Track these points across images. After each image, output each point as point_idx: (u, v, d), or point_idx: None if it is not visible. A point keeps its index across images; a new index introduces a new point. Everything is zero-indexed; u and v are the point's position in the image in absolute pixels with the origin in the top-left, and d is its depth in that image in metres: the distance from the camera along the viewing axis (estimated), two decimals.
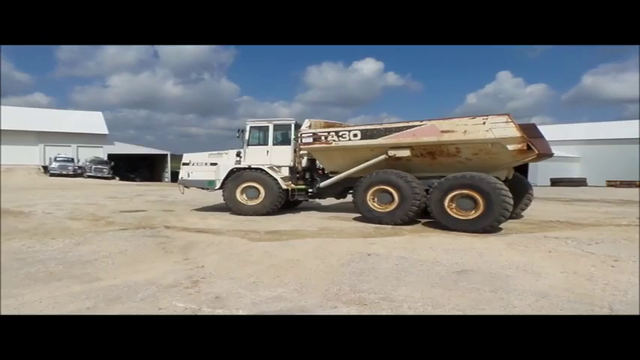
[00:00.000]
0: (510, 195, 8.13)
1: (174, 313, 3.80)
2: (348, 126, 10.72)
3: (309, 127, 10.78)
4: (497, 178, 8.47)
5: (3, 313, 3.75)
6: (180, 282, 4.78)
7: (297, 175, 11.59)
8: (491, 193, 8.04)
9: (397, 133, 9.38)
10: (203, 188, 12.12)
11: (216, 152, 12.08)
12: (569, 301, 4.15)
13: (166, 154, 47.77)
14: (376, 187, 9.49)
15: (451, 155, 9.08)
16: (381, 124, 9.80)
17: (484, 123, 8.40)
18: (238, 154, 11.69)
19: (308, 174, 11.75)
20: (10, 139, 38.71)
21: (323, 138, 10.22)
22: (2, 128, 38.23)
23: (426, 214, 9.23)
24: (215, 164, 11.79)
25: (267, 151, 11.40)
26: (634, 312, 3.84)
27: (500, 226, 8.42)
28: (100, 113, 48.89)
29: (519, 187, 10.11)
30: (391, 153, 9.54)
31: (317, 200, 12.83)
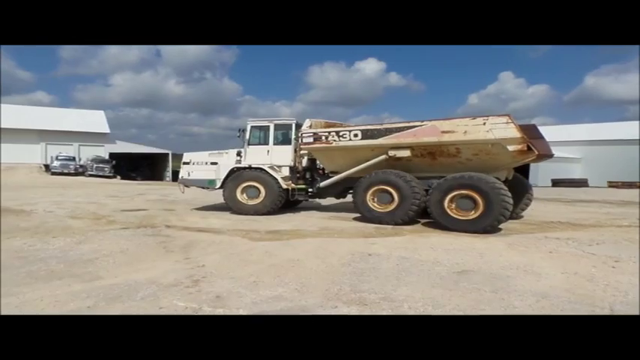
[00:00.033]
0: (510, 194, 8.14)
1: (175, 313, 3.80)
2: (349, 126, 10.72)
3: (310, 126, 10.79)
4: (497, 178, 8.48)
5: (4, 311, 3.76)
6: (180, 281, 4.79)
7: (298, 175, 11.59)
8: (490, 192, 8.05)
9: (398, 134, 9.38)
10: (203, 187, 12.13)
11: (217, 152, 12.09)
12: (569, 301, 4.14)
13: (168, 154, 47.78)
14: (376, 187, 9.50)
15: (451, 156, 9.08)
16: (381, 124, 9.80)
17: (484, 124, 8.40)
18: (239, 154, 11.70)
19: (308, 174, 11.75)
20: (11, 137, 38.73)
21: (323, 138, 10.22)
22: (4, 127, 38.26)
23: (425, 215, 9.23)
24: (215, 163, 11.81)
25: (268, 151, 11.41)
26: (635, 313, 3.84)
27: (501, 226, 8.42)
28: (101, 112, 48.92)
29: (519, 187, 10.11)
30: (391, 153, 9.54)
31: (317, 200, 12.84)
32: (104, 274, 5.09)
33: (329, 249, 6.63)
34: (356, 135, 9.86)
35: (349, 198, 10.71)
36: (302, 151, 11.28)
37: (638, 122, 42.61)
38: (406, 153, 9.41)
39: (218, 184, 11.60)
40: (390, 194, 9.30)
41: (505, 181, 9.11)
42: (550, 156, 9.84)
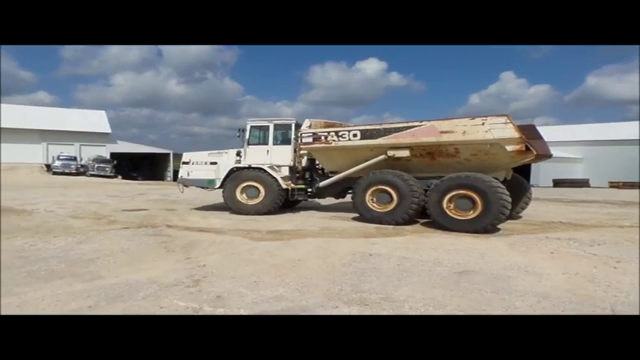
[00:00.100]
0: (507, 193, 8.16)
1: (176, 312, 3.80)
2: (348, 126, 10.73)
3: (309, 126, 10.80)
4: (495, 178, 8.49)
5: (5, 311, 3.76)
6: (181, 281, 4.79)
7: (297, 175, 11.60)
8: (487, 191, 8.07)
9: (396, 134, 9.39)
10: (203, 187, 12.13)
11: (216, 151, 12.10)
12: (570, 302, 4.13)
13: (169, 153, 47.82)
14: (374, 188, 9.51)
15: (450, 156, 9.09)
16: (380, 124, 9.81)
17: (483, 124, 8.42)
18: (238, 154, 11.70)
19: (308, 174, 11.76)
20: (13, 137, 38.82)
21: (323, 138, 10.23)
22: (6, 127, 38.34)
23: (424, 215, 9.25)
24: (215, 163, 11.81)
25: (268, 151, 11.41)
26: (636, 313, 3.83)
27: (502, 227, 8.42)
28: (103, 112, 49.01)
29: (518, 187, 10.13)
30: (390, 153, 9.55)
31: (316, 200, 12.85)
32: (105, 274, 5.09)
33: (330, 249, 6.62)
34: (355, 135, 9.86)
35: (348, 198, 10.71)
36: (301, 151, 11.28)
37: (638, 122, 42.57)
38: (405, 153, 9.42)
39: (218, 184, 11.61)
40: (389, 194, 9.31)
41: (504, 182, 9.13)
42: (549, 156, 9.86)
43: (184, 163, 12.35)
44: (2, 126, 38.14)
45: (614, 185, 36.26)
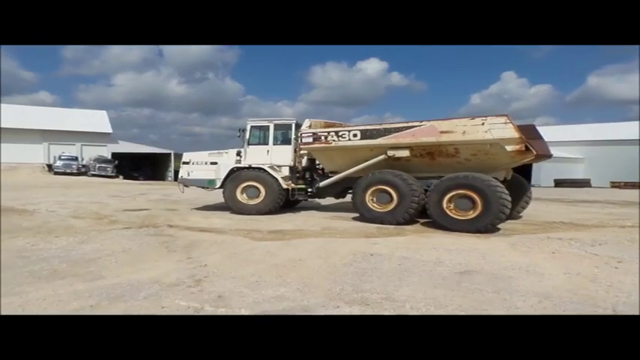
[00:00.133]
0: (507, 192, 8.17)
1: (177, 312, 3.81)
2: (348, 126, 10.74)
3: (309, 126, 10.82)
4: (495, 178, 8.50)
5: (7, 310, 3.77)
6: (183, 281, 4.80)
7: (297, 175, 11.61)
8: (486, 191, 8.08)
9: (396, 134, 9.40)
10: (203, 187, 12.14)
11: (217, 151, 12.11)
12: (572, 302, 4.13)
13: (170, 153, 47.83)
14: (374, 188, 9.53)
15: (450, 156, 9.10)
16: (380, 124, 9.82)
17: (483, 124, 8.42)
18: (238, 154, 11.71)
19: (308, 173, 11.77)
20: (14, 137, 38.88)
21: (323, 138, 10.24)
22: (8, 127, 38.41)
23: (424, 215, 9.25)
24: (215, 163, 11.82)
25: (268, 151, 11.42)
26: (637, 313, 3.82)
27: (504, 226, 8.41)
28: (104, 112, 49.05)
29: (518, 187, 10.14)
30: (390, 153, 9.56)
31: (317, 200, 12.85)
32: (106, 274, 5.10)
33: (331, 249, 6.63)
34: (355, 135, 9.87)
35: (349, 198, 10.72)
36: (302, 151, 11.29)
37: (639, 122, 42.50)
38: (405, 153, 9.43)
39: (218, 184, 11.62)
40: (389, 194, 9.32)
41: (504, 182, 9.15)
42: (549, 156, 9.87)
43: (184, 163, 12.36)
44: (4, 126, 38.21)
45: (615, 185, 36.24)
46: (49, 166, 37.90)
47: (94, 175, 35.41)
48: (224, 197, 11.40)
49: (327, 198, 12.00)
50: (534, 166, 36.49)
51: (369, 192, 9.57)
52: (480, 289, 4.55)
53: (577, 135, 46.99)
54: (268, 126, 11.51)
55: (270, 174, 11.00)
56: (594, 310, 3.94)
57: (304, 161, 11.67)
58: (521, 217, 10.50)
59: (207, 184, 11.88)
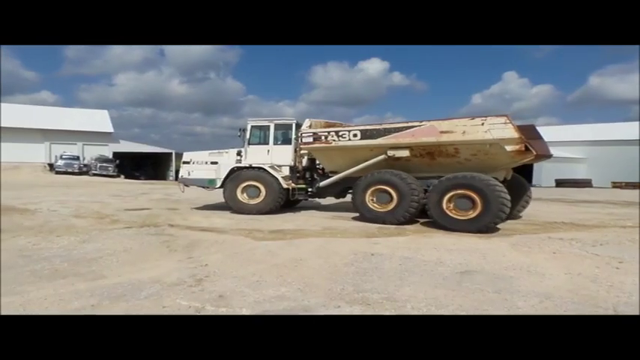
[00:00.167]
0: (505, 191, 8.19)
1: (178, 312, 3.82)
2: (348, 126, 10.75)
3: (310, 126, 10.83)
4: (495, 178, 8.51)
5: (9, 310, 3.79)
6: (184, 280, 4.81)
7: (298, 175, 11.62)
8: (485, 190, 8.09)
9: (396, 134, 9.41)
10: (203, 187, 12.16)
11: (217, 151, 12.12)
12: (573, 302, 4.13)
13: (171, 153, 47.89)
14: (374, 188, 9.54)
15: (450, 156, 9.10)
16: (380, 124, 9.83)
17: (483, 124, 8.43)
18: (239, 153, 11.72)
19: (308, 173, 11.79)
20: (16, 136, 38.96)
21: (323, 138, 10.26)
22: (10, 126, 38.49)
23: (424, 215, 9.26)
24: (216, 163, 11.83)
25: (268, 151, 11.43)
26: (638, 313, 3.82)
27: (505, 227, 8.41)
28: (105, 111, 49.13)
29: (518, 187, 10.15)
30: (390, 153, 9.57)
31: (317, 200, 12.86)
32: (108, 273, 5.11)
33: (332, 248, 6.63)
34: (355, 135, 9.88)
35: (349, 198, 10.72)
36: (302, 151, 11.30)
37: (639, 122, 42.43)
38: (405, 153, 9.44)
39: (218, 184, 11.63)
40: (389, 193, 9.33)
41: (504, 182, 9.16)
42: (548, 156, 9.88)
43: (185, 162, 12.38)
44: (6, 125, 38.29)
45: (616, 185, 36.20)
46: (51, 166, 37.97)
47: (95, 175, 35.50)
48: (224, 197, 11.41)
49: (328, 198, 12.01)
50: (535, 166, 36.48)
51: (369, 192, 9.58)
52: (481, 289, 4.55)
53: (578, 135, 46.93)
54: (269, 126, 11.52)
55: (270, 174, 11.01)
56: (595, 310, 3.93)
57: (304, 161, 11.68)
58: (521, 216, 10.51)
59: (208, 184, 11.89)
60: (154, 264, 5.62)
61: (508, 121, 8.25)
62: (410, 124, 9.31)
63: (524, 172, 10.85)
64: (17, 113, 41.04)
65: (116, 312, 3.79)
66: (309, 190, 11.41)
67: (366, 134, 9.75)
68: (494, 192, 8.02)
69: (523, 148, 8.28)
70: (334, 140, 10.10)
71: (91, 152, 41.37)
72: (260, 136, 11.62)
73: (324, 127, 10.94)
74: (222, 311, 3.84)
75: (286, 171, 11.41)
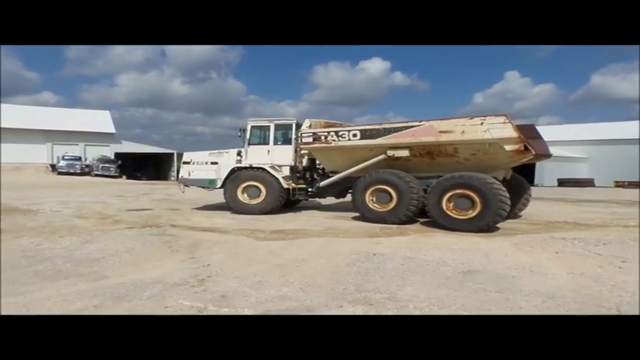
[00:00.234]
0: (504, 190, 8.19)
1: (181, 312, 3.82)
2: (348, 126, 10.76)
3: (310, 126, 10.85)
4: (494, 177, 8.51)
5: (12, 310, 3.80)
6: (186, 280, 4.81)
7: (298, 175, 11.63)
8: (484, 189, 8.11)
9: (396, 134, 9.42)
10: (204, 187, 12.17)
11: (217, 151, 12.13)
12: (575, 302, 4.12)
13: (172, 153, 47.90)
14: (374, 188, 9.56)
15: (449, 155, 9.11)
16: (380, 124, 9.83)
17: (482, 123, 8.43)
18: (239, 154, 11.72)
19: (308, 173, 11.79)
20: (18, 137, 39.03)
21: (323, 138, 10.27)
22: (11, 127, 38.58)
23: (424, 215, 9.26)
24: (216, 163, 11.84)
25: (269, 151, 11.44)
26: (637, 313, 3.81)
27: (507, 226, 8.39)
28: (107, 112, 49.19)
29: (517, 187, 10.14)
30: (390, 153, 9.58)
31: (317, 200, 12.86)
32: (110, 274, 5.12)
33: (334, 248, 6.63)
34: (355, 135, 9.89)
35: (349, 197, 10.72)
36: (302, 151, 11.31)
37: (639, 122, 42.30)
38: (404, 153, 9.45)
39: (219, 184, 11.64)
40: (389, 193, 9.35)
41: (503, 181, 9.16)
42: (548, 156, 9.87)
43: (185, 163, 12.40)
44: (8, 126, 38.37)
45: (619, 185, 36.08)
46: (53, 166, 38.09)
47: (97, 175, 35.57)
48: (225, 197, 11.43)
49: (328, 198, 12.01)
50: (537, 165, 36.40)
51: (369, 192, 9.59)
52: (483, 288, 4.55)
53: (581, 134, 46.78)
54: (269, 126, 11.53)
55: (270, 174, 11.02)
56: (598, 310, 3.92)
57: (305, 161, 11.69)
58: (521, 216, 10.49)
59: (208, 184, 11.91)
60: (157, 264, 5.63)
61: (507, 121, 8.25)
62: (409, 124, 9.33)
63: (526, 172, 10.82)
64: (19, 114, 41.15)
65: (119, 312, 3.80)
66: (310, 190, 11.41)
67: (365, 134, 9.76)
68: (493, 191, 8.02)
69: (522, 148, 8.27)
70: (334, 140, 10.11)
71: (92, 153, 41.44)
72: (260, 137, 11.63)
73: (324, 127, 10.95)
74: (225, 311, 3.85)
75: (286, 171, 11.42)
